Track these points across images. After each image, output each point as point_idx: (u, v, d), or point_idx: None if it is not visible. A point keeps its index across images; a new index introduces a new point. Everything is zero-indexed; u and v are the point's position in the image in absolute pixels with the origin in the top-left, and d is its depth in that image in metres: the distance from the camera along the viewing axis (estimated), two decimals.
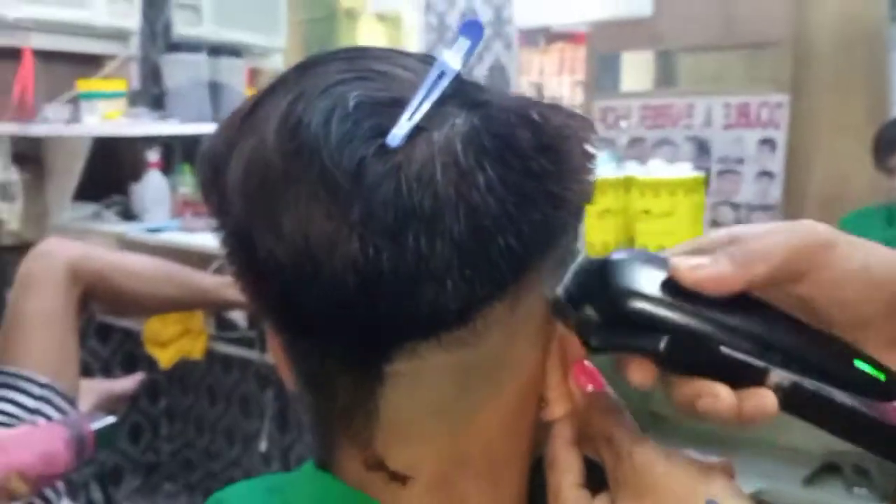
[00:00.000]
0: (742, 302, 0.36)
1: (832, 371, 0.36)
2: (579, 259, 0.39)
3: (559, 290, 0.38)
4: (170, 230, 2.05)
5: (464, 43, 0.39)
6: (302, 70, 0.38)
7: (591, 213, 1.39)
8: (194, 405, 2.45)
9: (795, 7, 2.27)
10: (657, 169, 1.38)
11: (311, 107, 0.35)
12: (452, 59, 0.38)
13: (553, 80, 3.99)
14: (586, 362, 0.40)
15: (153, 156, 2.19)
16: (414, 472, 0.38)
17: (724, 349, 0.35)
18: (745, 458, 1.19)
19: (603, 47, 2.65)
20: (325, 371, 0.38)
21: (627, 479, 0.36)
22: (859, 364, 0.36)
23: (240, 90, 2.38)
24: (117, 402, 1.33)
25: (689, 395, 0.36)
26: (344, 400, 0.38)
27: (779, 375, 0.35)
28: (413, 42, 2.65)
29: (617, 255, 0.37)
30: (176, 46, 2.32)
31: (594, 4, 2.32)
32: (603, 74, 2.69)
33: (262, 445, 2.02)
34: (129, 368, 2.21)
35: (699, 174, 1.39)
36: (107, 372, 2.25)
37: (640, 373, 0.36)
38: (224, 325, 1.88)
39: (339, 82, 0.36)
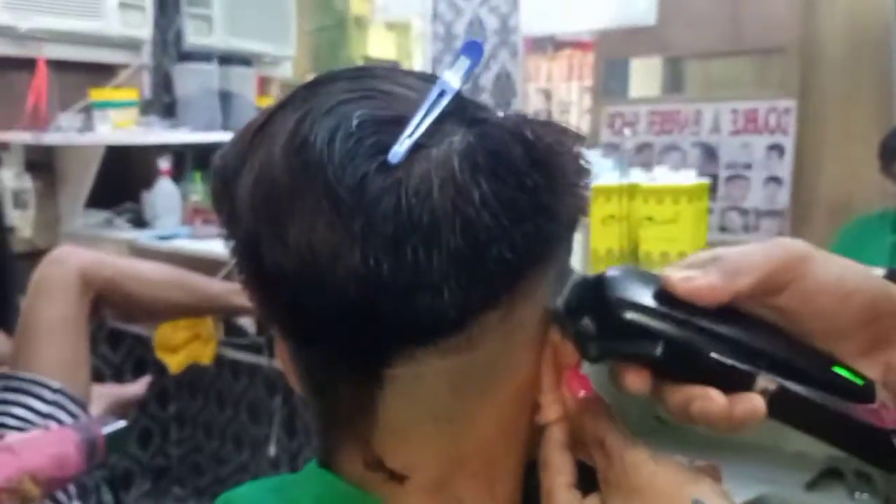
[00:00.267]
0: (729, 312, 0.38)
1: (814, 376, 0.38)
2: (575, 276, 0.41)
3: (559, 303, 0.40)
4: (180, 237, 2.07)
5: (464, 62, 0.41)
6: (310, 89, 0.40)
7: (595, 219, 1.40)
8: (203, 410, 2.47)
9: (803, 13, 2.28)
10: (661, 176, 1.39)
11: (316, 125, 0.37)
12: (452, 78, 0.39)
13: (562, 85, 4.00)
14: (579, 370, 0.41)
15: (164, 164, 2.20)
16: (411, 472, 0.40)
17: (714, 355, 0.37)
18: (747, 463, 1.19)
19: (610, 54, 2.66)
20: (328, 375, 0.40)
21: (618, 481, 0.38)
22: (838, 370, 0.38)
23: (250, 98, 2.40)
24: (127, 407, 1.35)
25: (683, 399, 0.37)
26: (346, 402, 0.40)
27: (765, 380, 0.37)
28: (421, 49, 2.67)
29: (612, 271, 0.40)
30: (187, 55, 2.34)
31: (599, 13, 2.33)
32: (612, 80, 2.70)
33: (271, 450, 2.04)
34: (139, 374, 2.23)
35: (703, 181, 1.40)
36: (118, 377, 2.27)
37: (636, 379, 0.38)
38: (233, 331, 1.89)
39: (344, 101, 0.38)
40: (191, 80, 2.31)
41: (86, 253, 1.24)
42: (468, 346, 0.37)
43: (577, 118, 3.70)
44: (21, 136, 2.01)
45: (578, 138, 0.39)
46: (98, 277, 1.19)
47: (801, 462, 1.18)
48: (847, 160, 2.26)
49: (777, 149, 2.33)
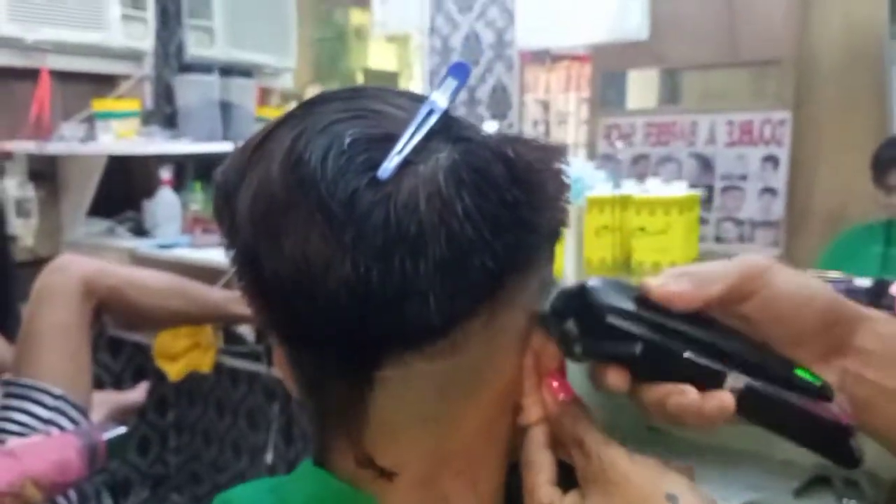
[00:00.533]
0: (700, 319, 0.42)
1: (778, 376, 0.41)
2: (558, 284, 0.44)
3: (544, 307, 0.42)
4: (180, 246, 2.08)
5: (451, 83, 0.43)
6: (306, 108, 0.42)
7: (588, 229, 1.42)
8: (202, 418, 2.48)
9: (798, 26, 2.29)
10: (653, 187, 1.42)
11: (311, 143, 0.39)
12: (440, 98, 0.42)
13: (560, 97, 4.01)
14: (559, 374, 0.43)
15: (165, 173, 2.22)
16: (400, 469, 0.42)
17: (687, 355, 0.41)
18: (737, 470, 1.21)
19: (607, 66, 2.68)
20: (321, 377, 0.42)
21: (596, 477, 0.40)
22: (798, 371, 0.41)
23: (251, 109, 2.42)
24: (127, 413, 1.37)
25: (659, 396, 0.41)
26: (338, 403, 0.42)
27: (734, 379, 0.40)
28: (420, 62, 2.69)
29: (593, 280, 0.43)
30: (188, 67, 2.36)
31: (593, 28, 2.36)
32: (609, 91, 2.72)
33: (269, 458, 2.05)
34: (139, 382, 2.25)
35: (694, 192, 1.43)
36: (118, 385, 2.28)
37: (616, 378, 0.41)
38: (232, 340, 1.91)
39: (337, 121, 0.40)
40: (192, 91, 2.33)
41: (87, 261, 1.25)
42: (453, 350, 0.39)
43: (574, 129, 3.72)
44: (24, 146, 2.03)
45: (561, 154, 0.42)
46: (100, 286, 1.20)
47: (790, 469, 1.20)
48: (842, 171, 2.28)
49: (772, 160, 2.35)
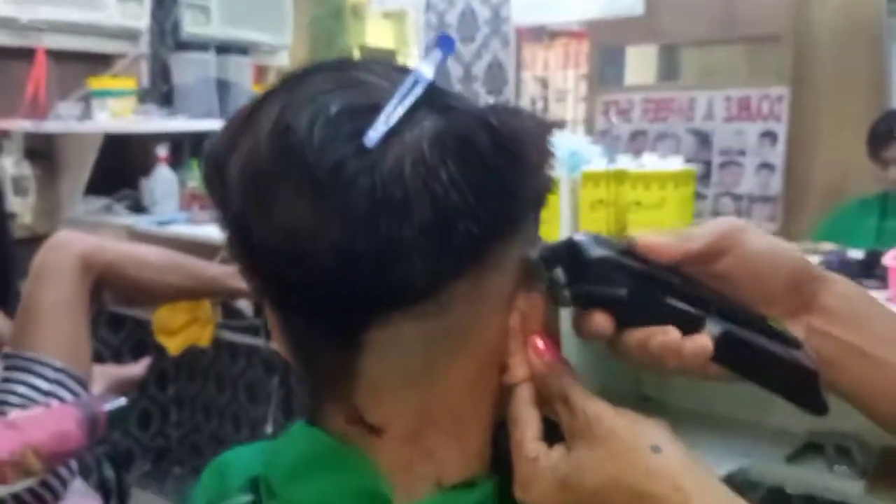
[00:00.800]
0: (680, 271, 0.44)
1: (754, 324, 0.43)
2: (545, 241, 0.45)
3: (533, 255, 0.44)
4: (178, 223, 2.09)
5: (437, 54, 0.44)
6: (293, 80, 0.43)
7: (584, 204, 1.43)
8: (202, 392, 2.50)
9: (796, 1, 2.29)
10: (649, 162, 1.42)
11: (298, 113, 0.40)
12: (426, 68, 0.43)
13: (558, 74, 4.01)
14: (544, 333, 0.45)
15: (162, 151, 2.22)
16: (388, 426, 0.44)
17: (668, 299, 0.43)
18: (729, 436, 1.23)
19: (604, 43, 2.67)
20: (312, 340, 0.43)
21: (581, 432, 0.42)
22: (771, 322, 0.43)
23: (247, 87, 2.42)
24: (128, 386, 1.38)
25: (642, 337, 0.43)
26: (329, 364, 0.43)
27: (713, 324, 0.43)
28: (417, 38, 2.68)
29: (579, 235, 0.44)
30: (184, 45, 2.35)
31: (588, 3, 2.35)
32: (607, 68, 2.71)
33: (268, 430, 2.07)
34: (139, 356, 2.25)
35: (689, 167, 1.43)
36: (118, 360, 2.30)
37: (602, 321, 0.43)
38: (231, 314, 1.92)
39: (324, 91, 0.41)
40: (188, 70, 2.32)
41: (86, 237, 1.25)
42: (439, 312, 0.41)
43: (573, 106, 3.71)
44: (21, 125, 2.03)
45: (544, 125, 0.43)
46: (98, 261, 1.21)
47: (782, 436, 1.22)
48: (839, 147, 2.28)
49: (770, 136, 2.35)
